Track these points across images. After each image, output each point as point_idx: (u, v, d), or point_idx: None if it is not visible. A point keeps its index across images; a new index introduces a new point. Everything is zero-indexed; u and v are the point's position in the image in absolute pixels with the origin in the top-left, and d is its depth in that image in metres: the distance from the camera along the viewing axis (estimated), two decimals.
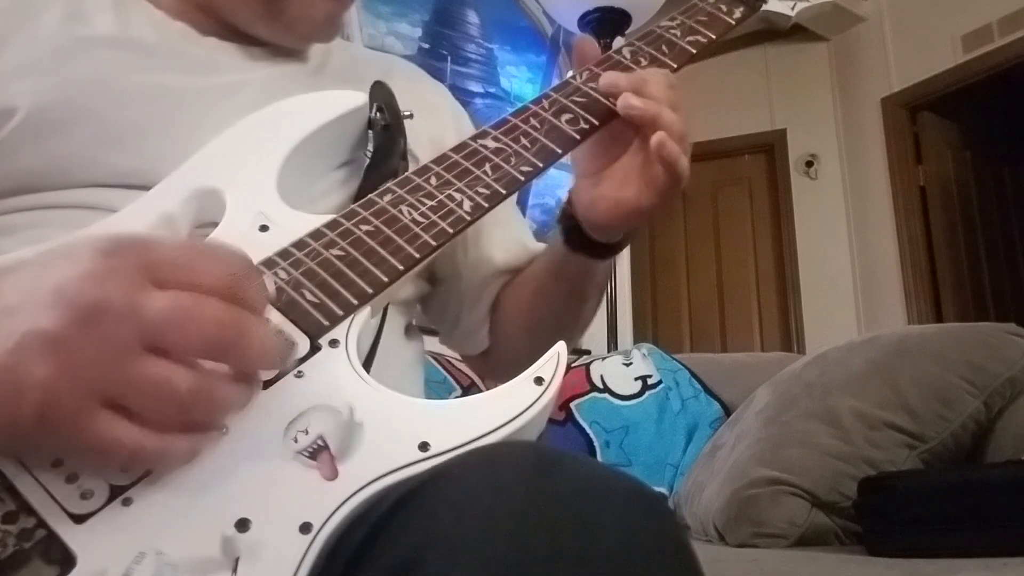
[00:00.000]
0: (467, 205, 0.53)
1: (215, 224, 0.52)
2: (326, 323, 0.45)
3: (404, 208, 0.52)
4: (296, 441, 0.39)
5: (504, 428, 0.41)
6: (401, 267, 0.49)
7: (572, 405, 1.60)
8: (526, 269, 0.75)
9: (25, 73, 0.59)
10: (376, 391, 0.43)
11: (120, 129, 0.59)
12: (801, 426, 1.19)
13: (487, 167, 0.56)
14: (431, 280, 0.76)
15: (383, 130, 0.62)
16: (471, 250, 0.75)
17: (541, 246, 0.77)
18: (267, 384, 0.41)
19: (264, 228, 0.51)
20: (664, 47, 0.65)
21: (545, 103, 0.60)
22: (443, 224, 0.52)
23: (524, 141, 0.57)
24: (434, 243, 0.50)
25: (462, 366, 1.64)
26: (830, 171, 3.93)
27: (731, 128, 4.01)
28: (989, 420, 1.13)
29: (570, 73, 0.63)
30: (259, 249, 0.47)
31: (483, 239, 0.75)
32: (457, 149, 0.57)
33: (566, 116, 0.59)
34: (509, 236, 0.77)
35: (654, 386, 1.63)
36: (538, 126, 0.59)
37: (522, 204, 2.60)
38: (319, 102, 0.61)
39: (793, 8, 0.77)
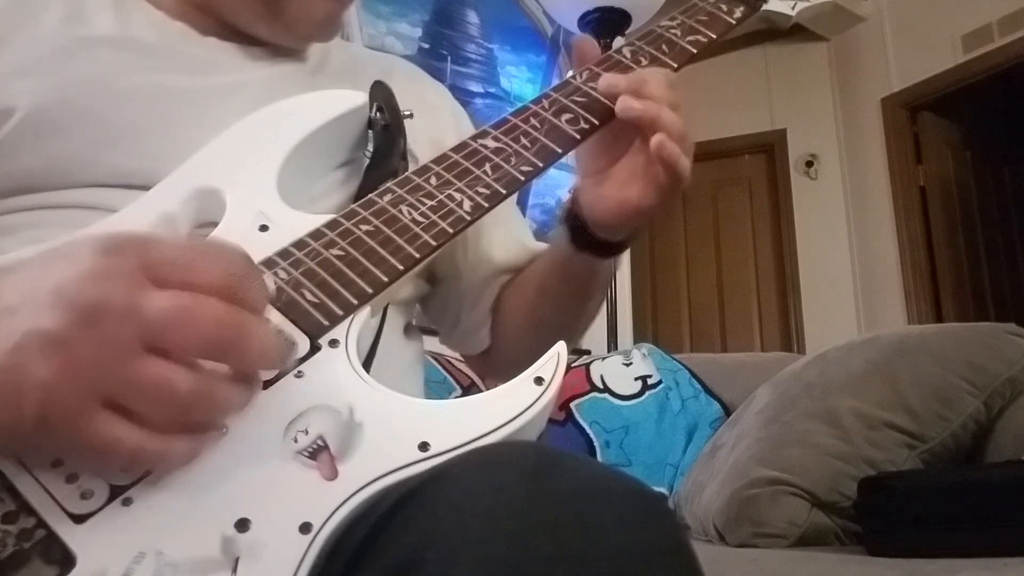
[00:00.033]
0: (467, 205, 0.53)
1: (215, 224, 0.52)
2: (326, 323, 0.45)
3: (404, 208, 0.52)
4: (296, 441, 0.39)
5: (504, 428, 0.41)
6: (401, 267, 0.49)
7: (572, 405, 1.60)
8: (528, 268, 0.75)
9: (25, 73, 0.59)
10: (376, 391, 0.43)
11: (120, 129, 0.59)
12: (801, 426, 1.19)
13: (487, 167, 0.56)
14: (431, 280, 0.76)
15: (383, 130, 0.62)
16: (471, 250, 0.75)
17: (541, 246, 0.77)
18: (267, 384, 0.41)
19: (264, 228, 0.51)
20: (664, 47, 0.65)
21: (545, 103, 0.60)
22: (443, 224, 0.51)
23: (524, 141, 0.57)
24: (434, 243, 0.50)
25: (462, 366, 1.64)
26: (830, 171, 3.93)
27: (731, 128, 4.01)
28: (989, 420, 1.13)
29: (570, 73, 0.63)
30: (259, 249, 0.47)
31: (483, 239, 0.75)
32: (457, 149, 0.57)
33: (566, 116, 0.59)
34: (509, 236, 0.77)
35: (654, 386, 1.63)
36: (538, 126, 0.58)
37: (522, 204, 2.60)
38: (319, 102, 0.61)
39: (794, 8, 0.77)
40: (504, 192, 0.55)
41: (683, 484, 1.42)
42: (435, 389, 1.54)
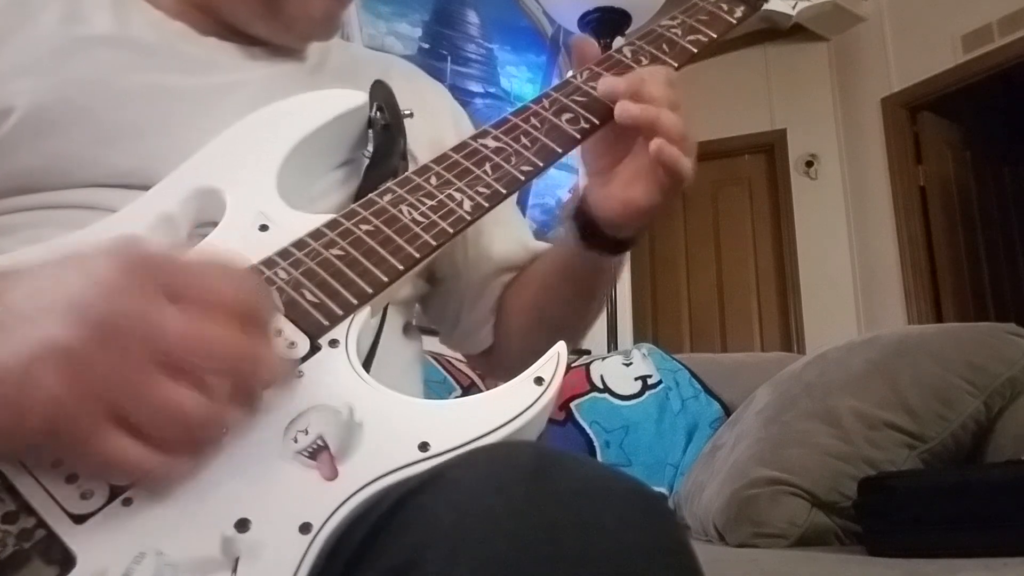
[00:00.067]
0: (467, 205, 0.53)
1: (215, 224, 0.52)
2: (326, 323, 0.45)
3: (404, 208, 0.52)
4: (296, 441, 0.39)
5: (504, 428, 0.41)
6: (401, 267, 0.49)
7: (572, 405, 1.60)
8: (530, 268, 0.75)
9: (24, 73, 0.59)
10: (376, 391, 0.43)
11: (119, 129, 0.59)
12: (801, 426, 1.19)
13: (487, 166, 0.55)
14: (431, 280, 0.76)
15: (383, 130, 0.62)
16: (471, 250, 0.75)
17: (541, 245, 0.77)
18: None
19: (264, 228, 0.51)
20: (665, 46, 0.65)
21: (545, 102, 0.60)
22: (443, 224, 0.51)
23: (524, 140, 0.57)
24: (434, 243, 0.50)
25: (462, 366, 1.64)
26: (830, 171, 3.93)
27: (731, 128, 4.00)
28: (989, 420, 1.13)
29: (570, 72, 0.63)
30: (259, 249, 0.47)
31: (483, 238, 0.75)
32: (457, 148, 0.57)
33: (567, 115, 0.59)
34: (509, 235, 0.77)
35: (654, 386, 1.63)
36: (538, 125, 0.58)
37: (522, 204, 2.60)
38: (319, 102, 0.61)
39: (794, 7, 0.77)
40: (504, 192, 0.55)
41: (683, 484, 1.42)
42: (435, 389, 1.54)
